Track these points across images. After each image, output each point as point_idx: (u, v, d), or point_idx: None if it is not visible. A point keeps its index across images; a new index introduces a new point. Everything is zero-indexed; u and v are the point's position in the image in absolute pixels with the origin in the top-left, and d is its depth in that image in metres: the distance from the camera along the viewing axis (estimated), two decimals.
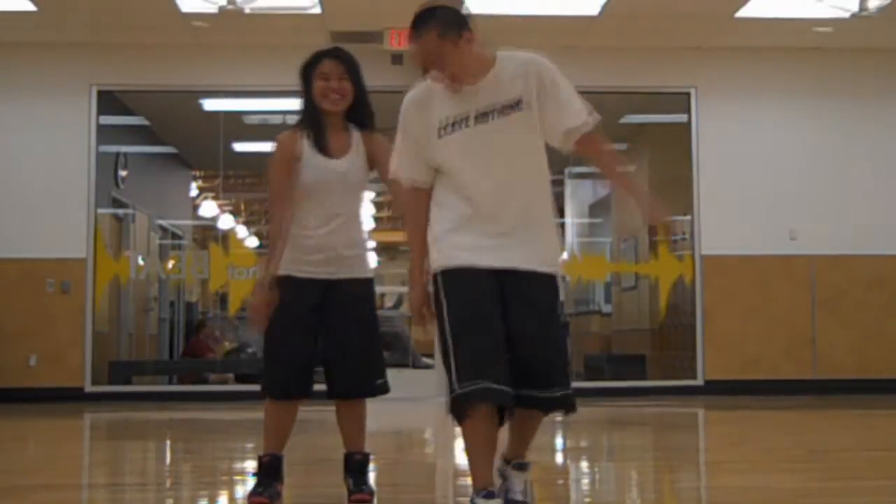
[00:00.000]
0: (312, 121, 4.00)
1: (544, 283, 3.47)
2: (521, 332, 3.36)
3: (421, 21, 3.43)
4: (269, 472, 3.97)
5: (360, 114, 4.03)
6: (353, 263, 3.98)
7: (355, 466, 4.06)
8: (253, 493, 3.91)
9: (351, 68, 4.01)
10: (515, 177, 3.45)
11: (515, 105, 3.41)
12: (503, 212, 3.42)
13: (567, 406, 3.46)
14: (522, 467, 3.62)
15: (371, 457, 4.11)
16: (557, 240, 3.67)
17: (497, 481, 3.56)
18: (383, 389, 4.04)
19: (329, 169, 3.91)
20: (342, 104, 3.96)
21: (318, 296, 3.90)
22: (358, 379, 3.98)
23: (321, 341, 3.96)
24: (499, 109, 3.40)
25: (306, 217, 3.90)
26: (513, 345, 3.35)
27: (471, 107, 3.40)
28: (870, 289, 10.03)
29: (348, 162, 3.94)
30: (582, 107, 3.48)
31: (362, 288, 3.99)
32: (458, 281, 3.39)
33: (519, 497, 3.56)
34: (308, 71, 4.04)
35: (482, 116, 3.39)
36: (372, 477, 4.95)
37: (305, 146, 3.94)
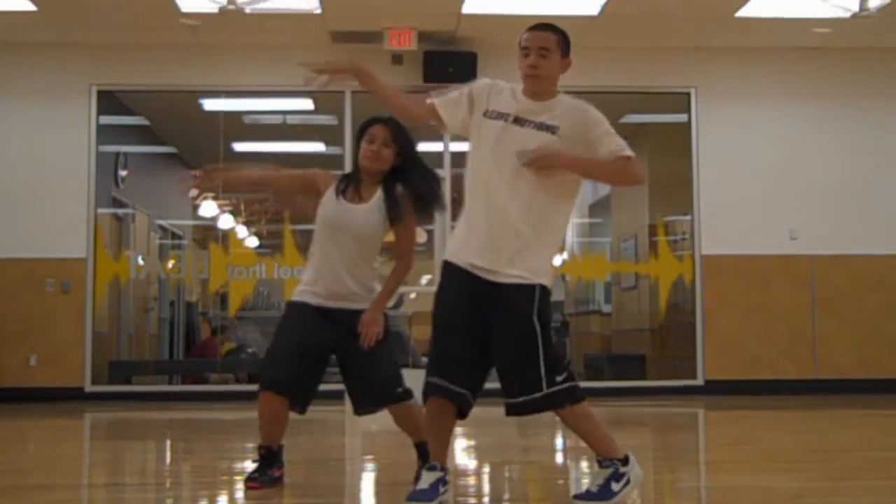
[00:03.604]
0: (351, 172, 4.38)
1: (518, 294, 3.71)
2: (492, 342, 3.73)
3: (550, 26, 4.00)
4: (264, 461, 4.22)
5: (403, 178, 4.27)
6: (360, 298, 4.24)
7: (423, 452, 4.27)
8: (248, 478, 4.20)
9: (395, 136, 4.27)
10: (523, 185, 3.72)
11: (551, 129, 3.78)
12: (502, 214, 3.73)
13: (527, 411, 3.72)
14: None
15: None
16: (546, 254, 3.83)
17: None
18: (404, 396, 4.28)
19: (340, 210, 4.23)
20: (377, 165, 4.23)
21: (317, 318, 4.20)
22: (376, 395, 4.25)
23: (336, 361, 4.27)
24: (536, 124, 3.78)
25: (316, 253, 4.29)
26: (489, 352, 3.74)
27: (517, 110, 3.81)
28: (870, 289, 10.03)
29: (362, 209, 4.23)
30: (619, 145, 3.82)
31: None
32: (447, 275, 3.85)
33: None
34: (360, 131, 4.35)
35: (520, 120, 3.79)
36: (372, 477, 4.97)
37: (332, 188, 4.30)
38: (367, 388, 4.22)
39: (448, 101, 3.93)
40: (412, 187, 4.22)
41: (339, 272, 4.21)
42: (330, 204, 4.25)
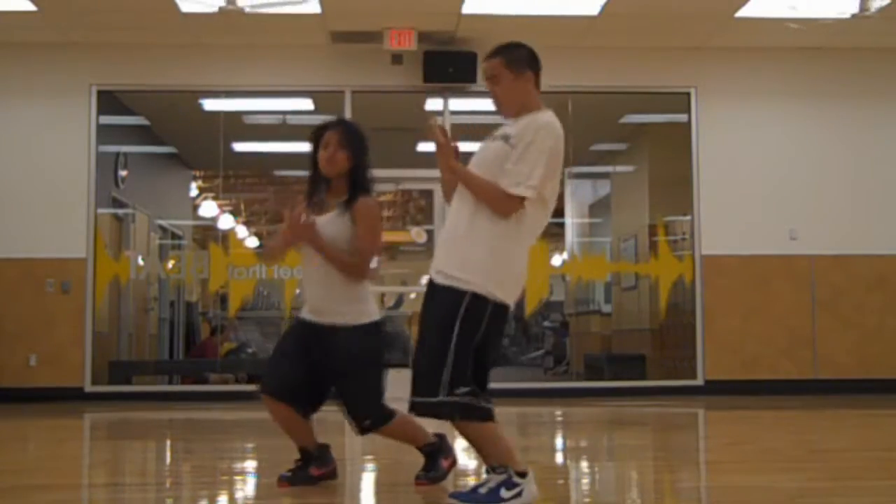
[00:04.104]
0: (313, 182, 4.38)
1: (437, 293, 3.76)
2: None
3: (496, 50, 3.88)
4: (303, 461, 4.32)
5: (354, 180, 4.29)
6: (335, 313, 4.22)
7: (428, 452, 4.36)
8: (279, 477, 4.29)
9: (348, 139, 4.29)
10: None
11: (506, 137, 3.77)
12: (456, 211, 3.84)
13: (416, 412, 3.73)
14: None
15: (435, 444, 4.33)
16: (476, 254, 3.73)
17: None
18: (369, 428, 4.26)
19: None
20: (333, 169, 4.27)
21: (310, 333, 4.26)
22: (353, 420, 4.26)
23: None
24: (499, 135, 3.82)
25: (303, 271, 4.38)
26: None
27: (500, 130, 3.86)
28: (870, 289, 10.03)
29: (324, 220, 4.23)
30: (522, 178, 3.68)
31: (343, 337, 4.20)
32: None
33: None
34: (315, 139, 4.34)
35: (492, 135, 3.87)
36: (372, 477, 4.96)
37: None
38: (344, 408, 4.25)
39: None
40: (359, 188, 4.26)
41: (316, 288, 4.27)
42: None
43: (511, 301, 3.78)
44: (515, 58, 3.84)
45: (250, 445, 6.45)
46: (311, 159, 4.32)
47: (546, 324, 15.88)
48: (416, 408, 3.70)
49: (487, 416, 3.70)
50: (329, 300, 4.23)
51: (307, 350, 4.23)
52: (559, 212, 14.10)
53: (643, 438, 6.90)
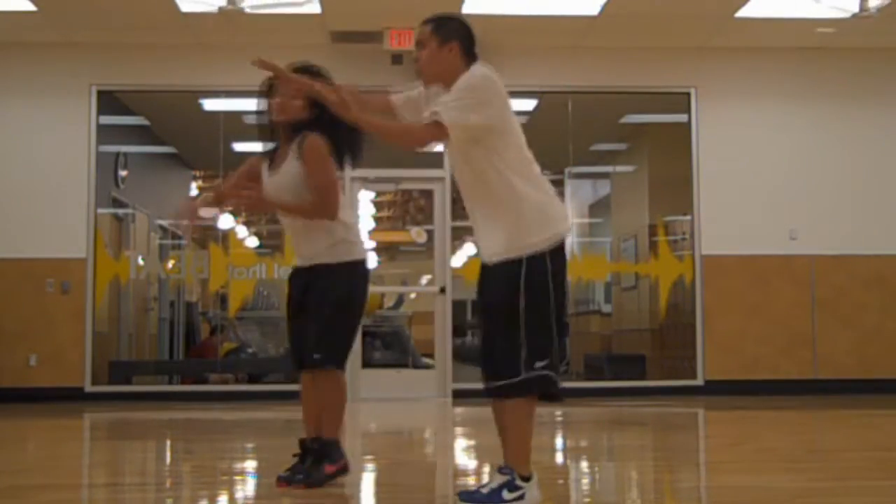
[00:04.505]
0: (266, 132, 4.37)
1: (492, 272, 3.69)
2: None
3: (430, 19, 3.86)
4: (301, 457, 4.23)
5: (321, 128, 4.20)
6: (319, 255, 4.20)
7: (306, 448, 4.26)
8: (278, 477, 4.20)
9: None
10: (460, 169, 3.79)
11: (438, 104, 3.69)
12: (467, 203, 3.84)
13: (497, 395, 3.67)
14: None
15: (327, 444, 4.21)
16: (509, 221, 3.67)
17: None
18: (318, 363, 4.17)
19: (267, 183, 4.27)
20: (284, 116, 4.23)
21: (300, 282, 4.27)
22: (305, 352, 4.19)
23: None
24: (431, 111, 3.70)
25: None
26: None
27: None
28: (870, 289, 10.03)
29: (280, 172, 4.22)
30: (441, 106, 3.62)
31: (322, 274, 4.18)
32: None
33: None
34: (267, 90, 4.36)
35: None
36: (372, 477, 4.96)
37: (265, 164, 4.36)
38: (301, 344, 4.20)
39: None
40: (327, 135, 4.16)
41: (297, 237, 4.28)
42: (264, 179, 4.28)
43: (564, 230, 3.72)
44: (444, 28, 3.83)
45: (250, 445, 6.45)
46: (267, 106, 4.28)
47: None
48: (498, 391, 3.63)
49: (558, 395, 3.67)
50: (311, 244, 4.22)
51: (300, 307, 4.24)
52: None
53: (643, 438, 6.90)
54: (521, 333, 3.59)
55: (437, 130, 3.59)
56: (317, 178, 4.13)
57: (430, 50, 3.79)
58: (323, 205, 4.13)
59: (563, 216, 3.78)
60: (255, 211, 4.21)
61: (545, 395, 3.66)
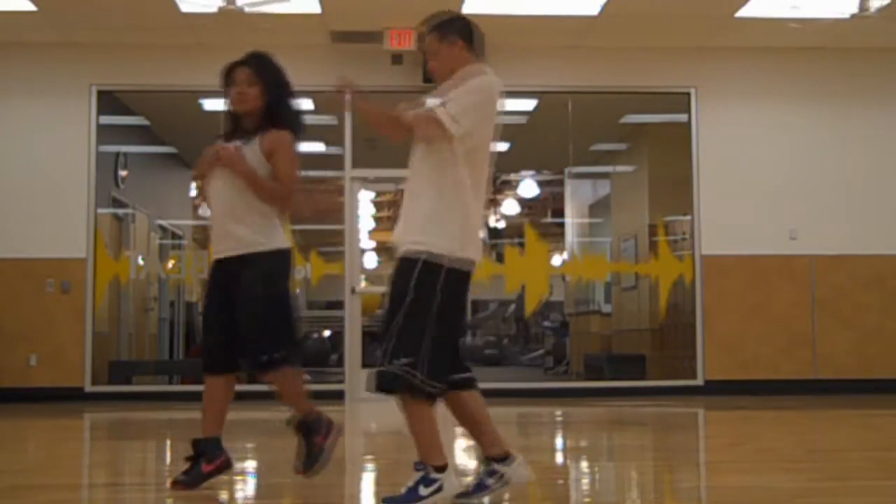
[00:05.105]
0: (232, 125, 4.36)
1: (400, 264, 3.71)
2: None
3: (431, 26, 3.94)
4: (193, 458, 4.26)
5: (270, 117, 4.24)
6: (246, 243, 4.18)
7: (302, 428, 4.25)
8: (174, 480, 4.19)
9: (259, 74, 4.25)
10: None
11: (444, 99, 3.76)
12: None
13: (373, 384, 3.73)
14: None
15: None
16: (419, 217, 3.72)
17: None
18: (266, 365, 4.17)
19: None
20: (244, 106, 4.24)
21: (224, 276, 4.22)
22: (248, 355, 4.21)
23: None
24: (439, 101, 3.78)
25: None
26: None
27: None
28: (870, 289, 10.03)
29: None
30: (443, 108, 3.68)
31: (251, 262, 4.15)
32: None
33: None
34: (225, 80, 4.31)
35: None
36: (372, 477, 4.96)
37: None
38: (233, 344, 4.18)
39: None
40: (277, 123, 4.21)
41: (225, 221, 4.22)
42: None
43: (474, 256, 3.72)
44: (445, 27, 3.91)
45: (250, 445, 6.45)
46: (225, 97, 4.29)
47: (546, 324, 15.89)
48: (373, 379, 3.67)
49: (424, 395, 3.63)
50: (239, 230, 4.18)
51: (227, 301, 4.17)
52: (559, 212, 14.11)
53: (643, 438, 6.90)
54: (395, 325, 3.63)
55: (441, 130, 3.65)
56: (286, 169, 4.20)
57: (439, 53, 3.90)
58: (285, 194, 4.20)
59: (477, 251, 3.76)
60: (230, 166, 4.13)
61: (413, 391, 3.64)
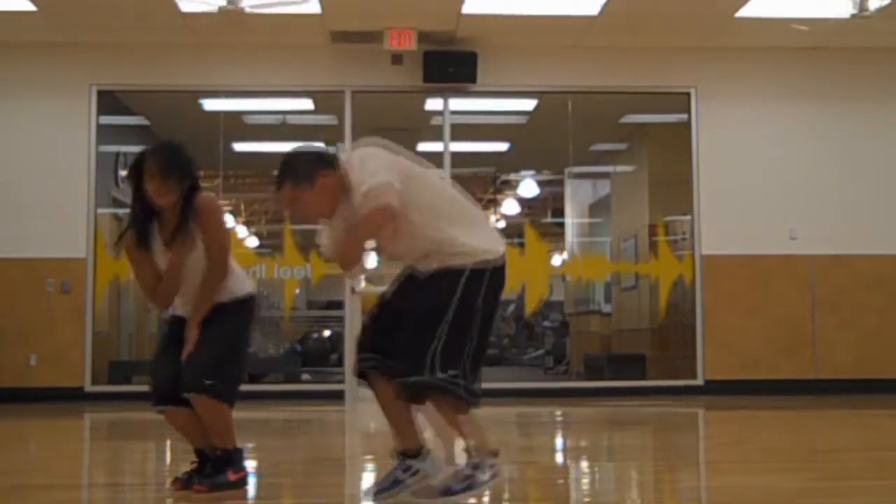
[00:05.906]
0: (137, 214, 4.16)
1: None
2: None
3: (278, 176, 3.78)
4: (198, 463, 4.23)
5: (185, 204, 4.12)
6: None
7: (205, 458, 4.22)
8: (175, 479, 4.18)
9: (170, 164, 4.11)
10: None
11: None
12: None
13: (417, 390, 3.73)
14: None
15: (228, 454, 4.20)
16: (435, 244, 3.71)
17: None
18: (206, 389, 4.14)
19: (163, 262, 4.12)
20: (166, 200, 4.05)
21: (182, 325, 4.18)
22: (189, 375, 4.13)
23: None
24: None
25: None
26: None
27: None
28: (870, 289, 10.03)
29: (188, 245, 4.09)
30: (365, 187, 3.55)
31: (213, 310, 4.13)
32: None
33: None
34: (137, 172, 4.11)
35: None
36: (372, 477, 4.95)
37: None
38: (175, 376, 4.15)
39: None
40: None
41: (188, 297, 4.17)
42: (161, 257, 4.14)
43: (501, 250, 3.71)
44: (299, 174, 3.74)
45: (250, 445, 6.45)
46: (135, 191, 4.09)
47: (546, 324, 15.90)
48: (413, 387, 3.64)
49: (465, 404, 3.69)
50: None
51: (180, 341, 4.15)
52: (559, 212, 14.12)
53: (643, 438, 6.91)
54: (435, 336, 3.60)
55: (387, 210, 3.55)
56: (219, 236, 4.14)
57: (308, 198, 3.74)
58: (224, 263, 4.14)
59: (498, 241, 3.77)
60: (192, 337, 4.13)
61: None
